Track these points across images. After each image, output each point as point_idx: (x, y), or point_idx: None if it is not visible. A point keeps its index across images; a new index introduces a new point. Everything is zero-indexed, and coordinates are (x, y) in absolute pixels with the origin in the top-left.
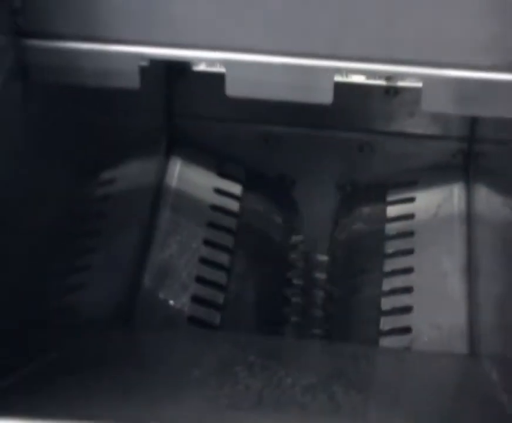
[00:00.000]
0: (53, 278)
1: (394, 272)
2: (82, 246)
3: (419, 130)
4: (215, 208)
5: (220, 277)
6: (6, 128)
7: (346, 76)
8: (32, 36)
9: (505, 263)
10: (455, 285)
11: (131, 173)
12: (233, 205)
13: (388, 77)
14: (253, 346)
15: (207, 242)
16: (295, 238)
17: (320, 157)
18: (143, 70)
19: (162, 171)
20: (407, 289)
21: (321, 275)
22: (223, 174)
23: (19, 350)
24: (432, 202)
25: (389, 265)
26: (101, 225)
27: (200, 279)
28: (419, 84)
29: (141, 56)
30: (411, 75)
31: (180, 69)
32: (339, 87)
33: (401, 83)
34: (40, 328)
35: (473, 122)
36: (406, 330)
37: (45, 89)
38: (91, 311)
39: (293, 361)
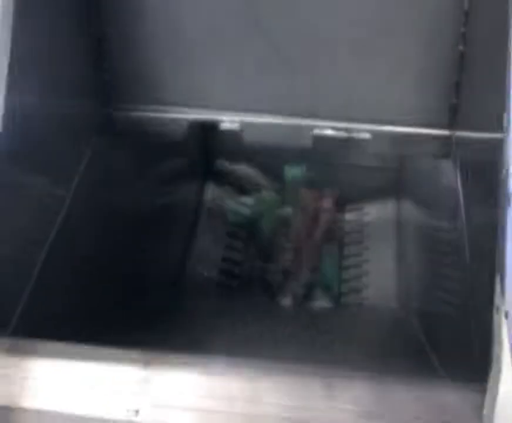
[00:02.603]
0: (126, 259)
1: (350, 255)
2: (147, 238)
3: (366, 164)
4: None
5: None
6: (98, 168)
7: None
8: (116, 103)
9: (423, 250)
10: (391, 264)
11: (180, 192)
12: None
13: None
14: (259, 306)
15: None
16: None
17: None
18: (188, 127)
19: (201, 191)
20: (358, 266)
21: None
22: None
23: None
24: (375, 211)
25: (347, 250)
26: (160, 226)
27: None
28: (368, 136)
29: (186, 119)
30: (362, 130)
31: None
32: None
33: (355, 135)
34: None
35: (401, 157)
36: (358, 291)
37: (124, 141)
38: (151, 279)
39: (285, 316)
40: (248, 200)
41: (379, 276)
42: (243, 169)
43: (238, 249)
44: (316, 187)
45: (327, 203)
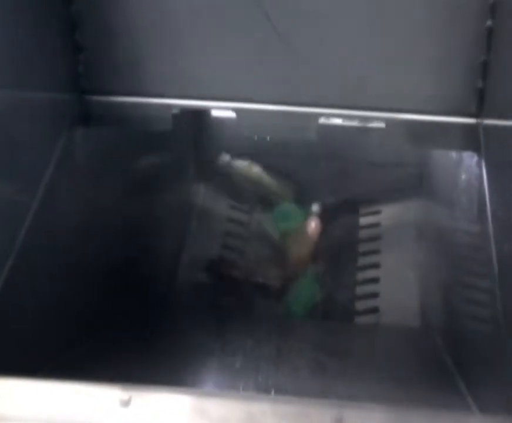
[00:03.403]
0: (110, 271)
1: (366, 267)
2: (137, 244)
3: (383, 160)
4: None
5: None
6: (71, 164)
7: (327, 119)
8: (92, 93)
9: (449, 259)
10: (411, 276)
11: (169, 192)
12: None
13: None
14: (260, 324)
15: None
16: None
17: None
18: (175, 117)
19: (191, 191)
20: (375, 280)
21: None
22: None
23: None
24: (393, 214)
25: (362, 261)
26: (149, 230)
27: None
28: (383, 125)
29: (173, 106)
30: (376, 118)
31: (203, 114)
32: (322, 128)
33: (369, 124)
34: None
35: (424, 152)
36: (375, 310)
37: (101, 133)
38: (144, 286)
39: (289, 334)
40: (245, 205)
41: (398, 290)
42: (240, 165)
43: (234, 264)
44: (323, 186)
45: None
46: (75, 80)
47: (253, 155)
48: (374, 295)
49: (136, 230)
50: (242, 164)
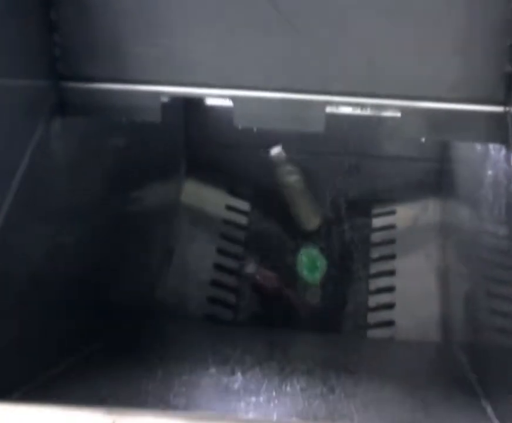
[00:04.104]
0: (89, 281)
1: (379, 274)
2: (117, 253)
3: (398, 153)
4: (227, 222)
5: (232, 281)
6: (48, 156)
7: (336, 108)
8: (70, 79)
9: (473, 265)
10: (431, 285)
11: (156, 192)
12: (243, 219)
13: (372, 108)
14: (260, 339)
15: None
16: (293, 244)
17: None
18: (164, 106)
19: (182, 190)
20: (390, 289)
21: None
22: (233, 193)
23: (65, 343)
24: (410, 214)
25: (375, 268)
26: (132, 236)
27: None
28: (398, 114)
29: (162, 94)
30: (391, 106)
31: (196, 103)
32: (330, 118)
33: (383, 113)
34: (81, 325)
35: (444, 144)
36: (390, 323)
37: (81, 124)
38: (123, 307)
39: (293, 351)
40: (245, 203)
41: (416, 301)
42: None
43: (231, 270)
44: (330, 184)
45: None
46: (51, 65)
47: (251, 148)
48: (389, 306)
49: (118, 233)
50: (287, 168)
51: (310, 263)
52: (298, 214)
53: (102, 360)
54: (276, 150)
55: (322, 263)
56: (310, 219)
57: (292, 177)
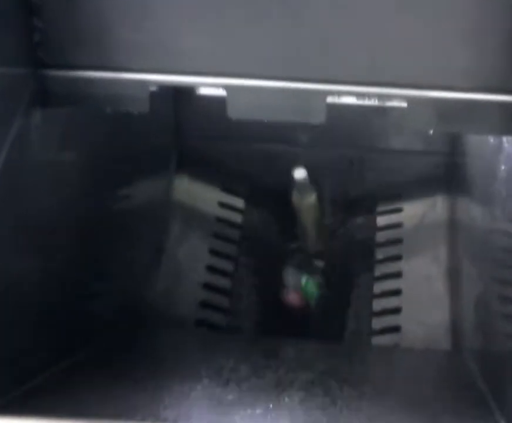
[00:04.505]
0: (73, 286)
1: (384, 277)
2: (101, 255)
3: (404, 146)
4: (220, 220)
5: (225, 283)
6: (28, 150)
7: (338, 98)
8: (51, 66)
9: (485, 267)
10: (440, 288)
11: (144, 189)
12: (237, 217)
13: (377, 98)
14: (256, 347)
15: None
16: (293, 246)
17: (316, 172)
18: (152, 95)
19: (172, 186)
20: (396, 292)
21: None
22: (227, 189)
23: (46, 352)
24: (418, 212)
25: (379, 270)
26: (118, 237)
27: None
28: (404, 104)
29: (150, 83)
30: (396, 96)
31: (186, 93)
32: (331, 108)
33: (388, 103)
34: (63, 332)
35: (454, 137)
36: (396, 329)
37: (63, 115)
38: (109, 313)
39: (292, 360)
40: (239, 200)
41: (424, 305)
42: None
43: (225, 272)
44: (332, 179)
45: None
46: (30, 52)
47: (247, 141)
48: (395, 311)
49: (103, 233)
50: (307, 194)
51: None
52: (305, 238)
53: (86, 371)
54: (300, 173)
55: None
56: (315, 246)
57: (309, 203)
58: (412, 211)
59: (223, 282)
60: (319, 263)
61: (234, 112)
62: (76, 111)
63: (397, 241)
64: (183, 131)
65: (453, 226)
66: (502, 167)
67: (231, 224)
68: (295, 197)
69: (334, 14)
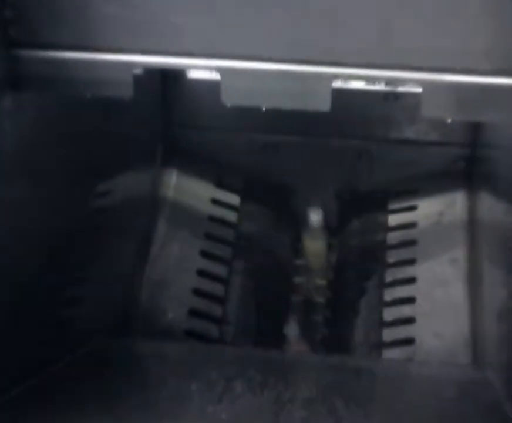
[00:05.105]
0: (49, 292)
1: (396, 283)
2: (79, 259)
3: (419, 137)
4: (213, 219)
5: (218, 289)
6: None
7: (345, 82)
8: (24, 46)
9: (509, 271)
10: (459, 295)
11: (127, 184)
12: (231, 216)
13: (388, 82)
14: (252, 360)
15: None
16: (294, 247)
17: (319, 165)
18: (137, 79)
19: (159, 181)
20: (410, 300)
21: (321, 283)
22: (221, 184)
23: (19, 365)
24: (434, 210)
25: (391, 275)
26: (98, 238)
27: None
28: (419, 90)
29: (135, 65)
30: (410, 80)
31: (175, 77)
32: (338, 94)
33: (400, 89)
34: (38, 343)
35: (476, 126)
36: (409, 341)
37: (37, 99)
38: (89, 323)
39: (292, 375)
40: (234, 197)
41: (441, 314)
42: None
43: (218, 276)
44: (338, 173)
45: None
46: (1, 29)
47: (242, 130)
48: (408, 321)
49: (83, 233)
50: (317, 236)
51: None
52: (309, 269)
53: (64, 386)
54: (315, 216)
55: None
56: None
57: (318, 246)
58: (427, 209)
59: (215, 288)
60: (322, 281)
61: (229, 98)
62: (51, 96)
63: (411, 243)
64: (171, 119)
65: (473, 226)
66: None
67: (225, 224)
68: (306, 239)
69: None
